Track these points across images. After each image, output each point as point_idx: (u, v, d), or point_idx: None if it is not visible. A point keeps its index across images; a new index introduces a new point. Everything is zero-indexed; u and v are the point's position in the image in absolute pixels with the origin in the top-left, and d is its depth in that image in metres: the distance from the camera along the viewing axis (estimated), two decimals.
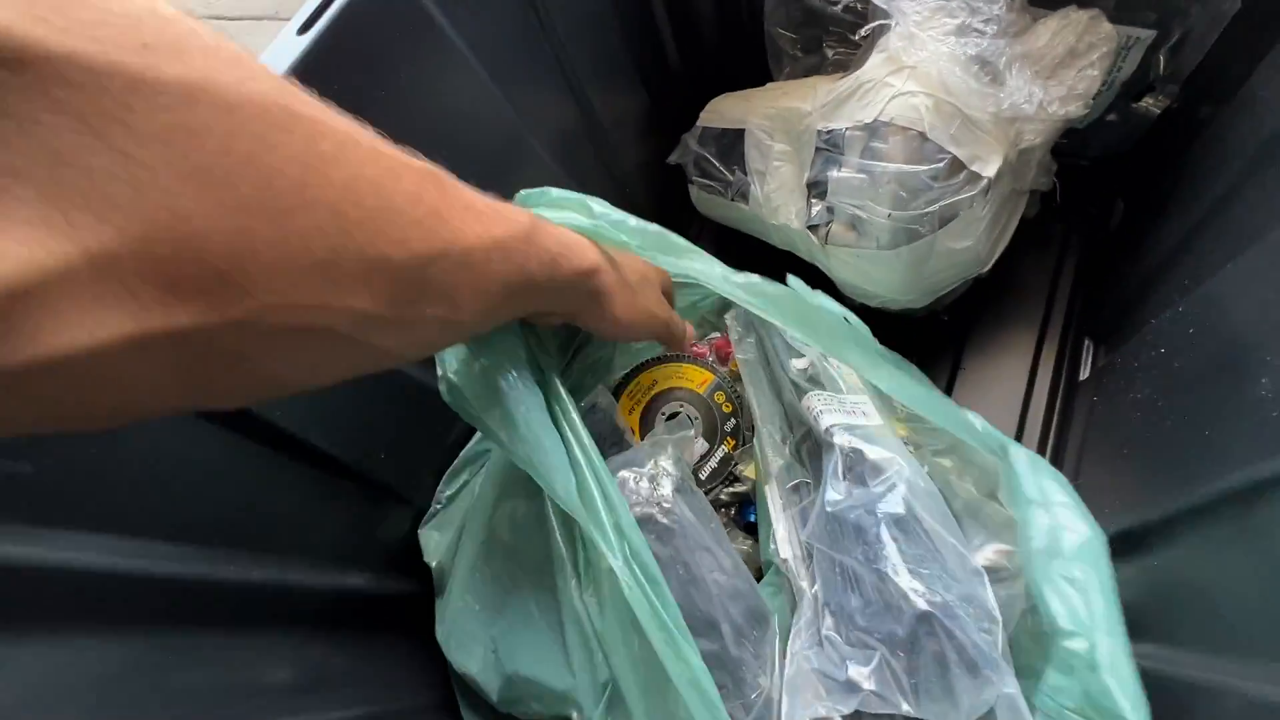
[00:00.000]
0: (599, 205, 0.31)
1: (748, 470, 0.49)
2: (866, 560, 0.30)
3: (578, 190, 0.57)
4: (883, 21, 0.44)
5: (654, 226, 0.34)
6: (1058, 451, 0.47)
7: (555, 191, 0.32)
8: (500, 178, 0.49)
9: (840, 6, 0.48)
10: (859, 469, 0.36)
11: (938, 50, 0.41)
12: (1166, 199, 0.45)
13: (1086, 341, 0.50)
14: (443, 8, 0.39)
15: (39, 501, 0.28)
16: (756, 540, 0.43)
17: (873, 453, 0.32)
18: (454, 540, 0.40)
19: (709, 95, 0.64)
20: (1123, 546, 0.31)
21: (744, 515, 0.48)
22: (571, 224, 0.30)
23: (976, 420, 0.34)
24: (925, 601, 0.29)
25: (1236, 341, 0.28)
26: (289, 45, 0.33)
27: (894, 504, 0.31)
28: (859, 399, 0.36)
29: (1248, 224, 0.33)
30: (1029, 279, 0.55)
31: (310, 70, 0.33)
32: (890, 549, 0.30)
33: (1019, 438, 0.49)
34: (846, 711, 0.29)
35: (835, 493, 0.32)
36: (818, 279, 0.56)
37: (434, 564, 0.42)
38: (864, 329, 0.40)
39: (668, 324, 0.35)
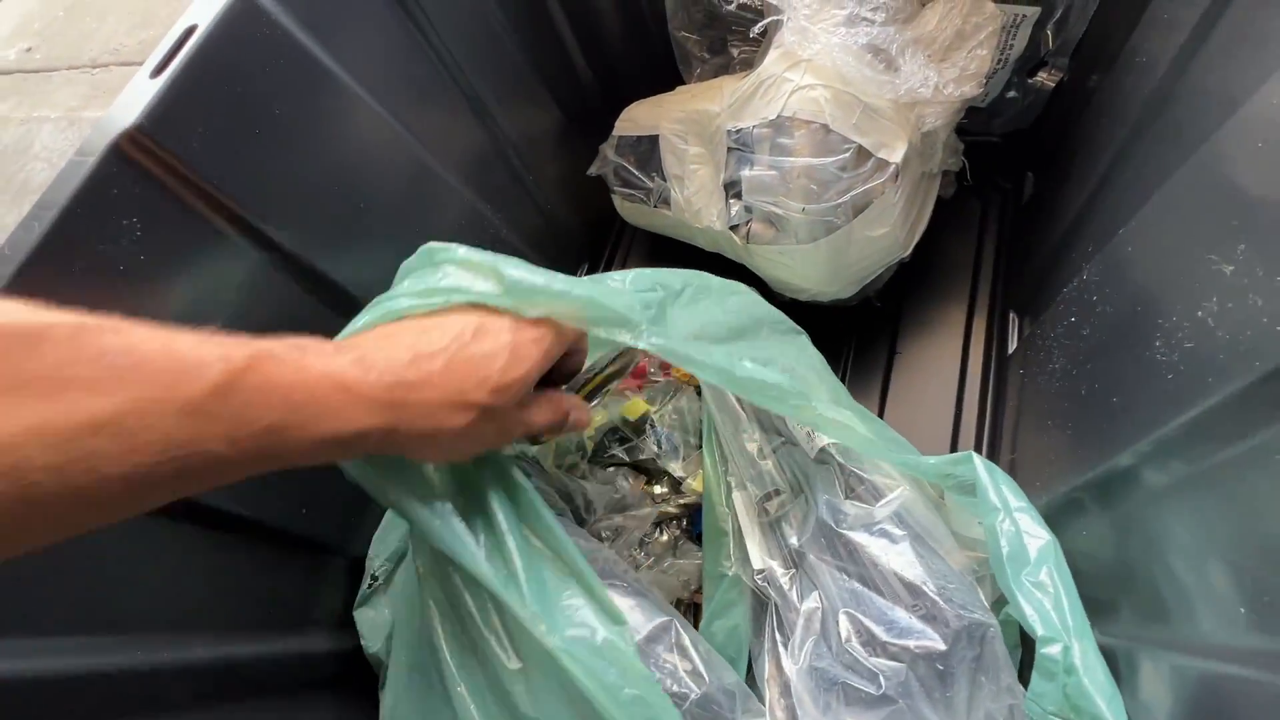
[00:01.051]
0: (516, 270, 0.25)
1: (694, 483, 0.49)
2: (886, 576, 0.30)
3: (494, 210, 0.56)
4: (776, 17, 0.44)
5: (582, 287, 0.27)
6: (995, 427, 0.47)
7: (464, 250, 0.27)
8: (410, 210, 0.47)
9: (735, 5, 0.48)
10: (860, 489, 0.36)
11: (830, 42, 0.41)
12: (1069, 169, 0.46)
13: (1011, 315, 0.51)
14: (320, 40, 0.37)
15: None
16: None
17: (872, 474, 0.33)
18: (388, 625, 0.38)
19: (623, 104, 0.63)
20: (1054, 518, 0.31)
21: (694, 527, 0.47)
22: (476, 292, 0.26)
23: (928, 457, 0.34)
24: (964, 616, 0.29)
25: (1134, 305, 0.28)
26: (141, 90, 0.31)
27: (909, 522, 0.31)
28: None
29: (1139, 184, 0.33)
30: (953, 258, 0.56)
31: (168, 116, 0.31)
32: (918, 566, 0.30)
33: (958, 413, 0.49)
34: None
35: (843, 510, 0.32)
36: (746, 278, 0.55)
37: (370, 652, 0.40)
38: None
39: (536, 431, 0.27)
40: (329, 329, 0.27)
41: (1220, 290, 0.23)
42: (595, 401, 0.38)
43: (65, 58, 1.87)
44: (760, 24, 0.45)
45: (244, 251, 0.36)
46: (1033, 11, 0.46)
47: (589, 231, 0.68)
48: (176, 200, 0.32)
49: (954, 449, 0.50)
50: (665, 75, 0.62)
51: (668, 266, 0.65)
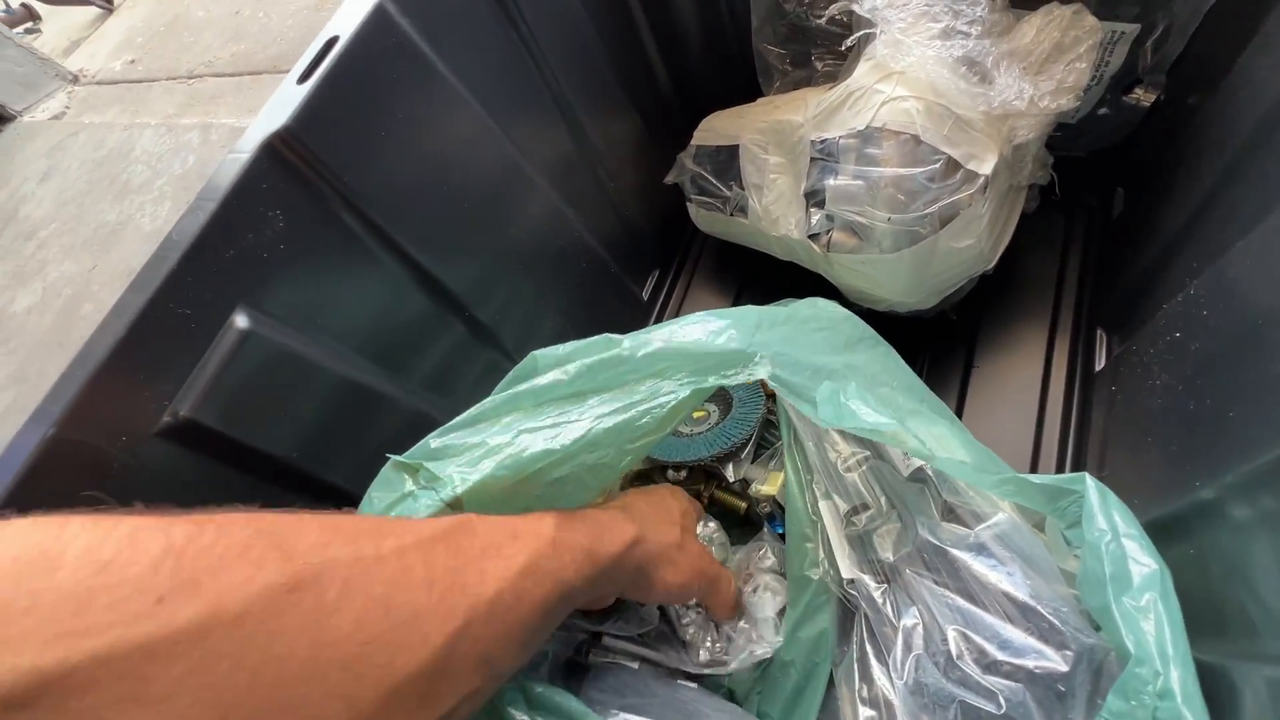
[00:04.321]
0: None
1: (766, 487, 0.49)
2: (995, 595, 0.31)
3: (576, 214, 0.58)
4: (868, 30, 0.45)
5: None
6: (1080, 444, 0.46)
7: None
8: (501, 209, 0.50)
9: (825, 20, 0.49)
10: (958, 510, 0.36)
11: (924, 54, 0.42)
12: (1166, 186, 0.45)
13: (1099, 331, 0.50)
14: (437, 48, 0.40)
15: None
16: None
17: (970, 497, 0.33)
18: None
19: (700, 114, 0.65)
20: (1156, 536, 0.31)
21: (774, 526, 0.47)
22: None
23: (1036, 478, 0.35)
24: (1082, 640, 0.29)
25: (1252, 320, 0.27)
26: (290, 95, 0.34)
27: (1013, 546, 0.31)
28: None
29: (1251, 204, 0.32)
30: (1035, 273, 0.55)
31: (312, 118, 0.34)
32: (1029, 587, 0.30)
33: (1039, 433, 0.48)
34: None
35: (946, 530, 0.33)
36: (822, 287, 0.56)
37: None
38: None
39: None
40: (426, 311, 0.29)
41: None
42: None
43: (164, 69, 2.01)
44: (852, 38, 0.45)
45: (364, 244, 0.38)
46: (1131, 29, 0.46)
47: (661, 238, 0.70)
48: (313, 194, 0.35)
49: (1034, 466, 0.49)
50: (743, 87, 0.63)
51: (737, 272, 0.67)
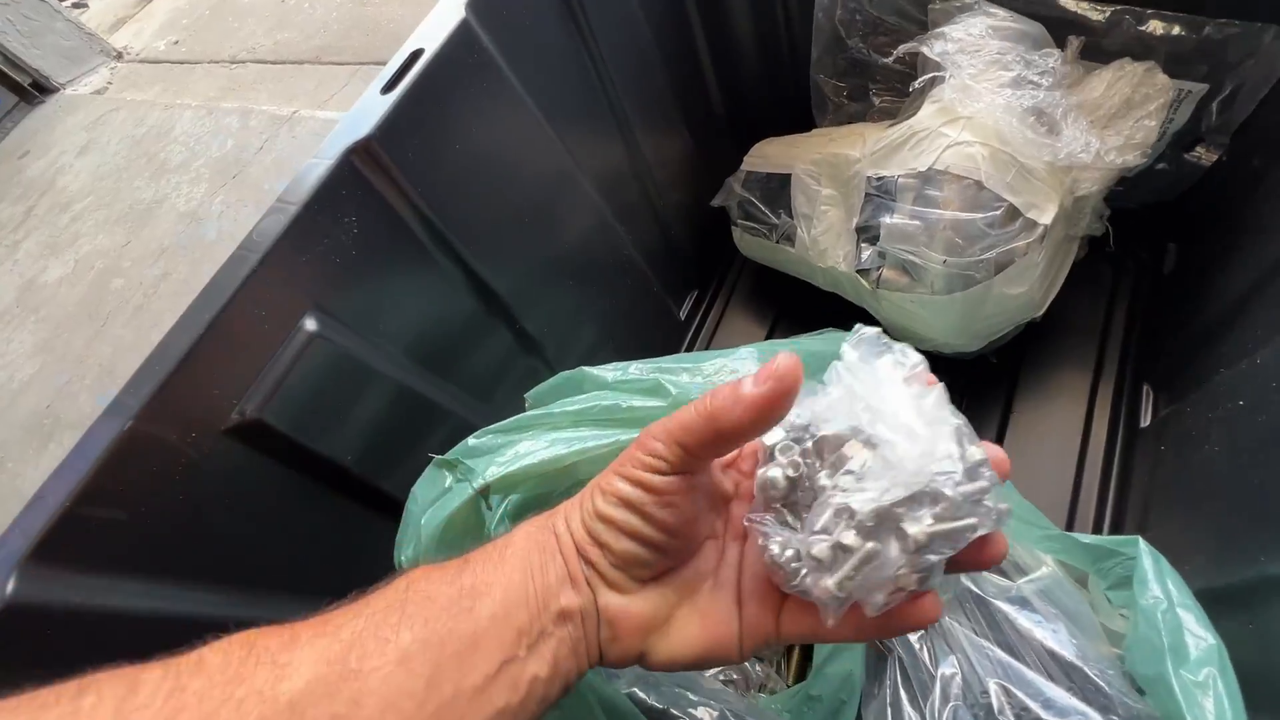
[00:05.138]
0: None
1: None
2: (1039, 652, 0.31)
3: (624, 228, 0.58)
4: (936, 74, 0.45)
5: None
6: (1120, 501, 0.46)
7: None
8: (548, 210, 0.50)
9: (892, 59, 0.49)
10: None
11: (994, 102, 0.42)
12: (1226, 247, 0.45)
13: (1145, 387, 0.49)
14: (511, 61, 0.41)
15: (120, 548, 0.28)
16: None
17: (1013, 547, 0.33)
18: None
19: (750, 139, 0.65)
20: (1208, 606, 0.30)
21: None
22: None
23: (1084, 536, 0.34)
24: (1130, 706, 0.29)
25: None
26: (374, 105, 0.34)
27: (1057, 601, 0.31)
28: None
29: None
30: (1080, 322, 0.55)
31: (392, 128, 0.34)
32: (1073, 645, 0.30)
33: (1078, 484, 0.48)
34: None
35: (987, 580, 0.33)
36: (865, 321, 0.56)
37: None
38: None
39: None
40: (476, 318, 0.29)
41: None
42: None
43: (207, 52, 2.04)
44: (920, 80, 0.46)
45: (427, 251, 0.39)
46: (1200, 88, 0.46)
47: (702, 258, 0.70)
48: (386, 201, 0.35)
49: (1071, 518, 0.48)
50: (796, 115, 0.63)
51: (776, 299, 0.67)
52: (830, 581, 0.23)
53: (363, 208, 0.34)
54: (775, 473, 0.25)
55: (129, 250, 1.47)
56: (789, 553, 0.24)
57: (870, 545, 0.22)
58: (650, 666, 0.26)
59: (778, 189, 0.59)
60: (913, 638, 0.37)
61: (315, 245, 0.32)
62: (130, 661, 0.20)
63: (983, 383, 0.56)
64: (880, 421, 0.23)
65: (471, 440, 0.32)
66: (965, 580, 0.35)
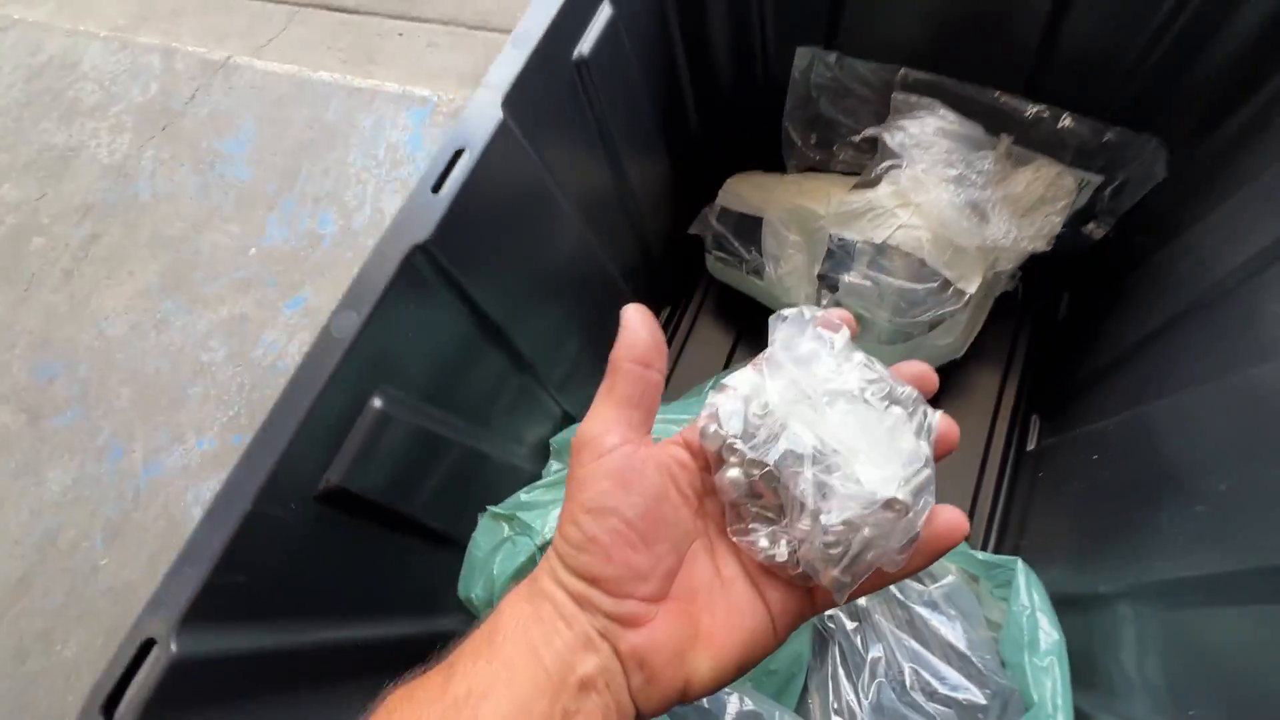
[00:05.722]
0: None
1: None
2: (941, 643, 0.41)
3: (606, 248, 0.62)
4: (894, 162, 0.53)
5: None
6: (1005, 515, 0.58)
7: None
8: (527, 229, 0.53)
9: (859, 139, 0.56)
10: None
11: (939, 195, 0.51)
12: (1108, 308, 0.57)
13: (1034, 416, 0.62)
14: (530, 139, 0.45)
15: (243, 602, 0.34)
16: None
17: None
18: None
19: (725, 168, 0.71)
20: (1063, 607, 0.43)
21: None
22: None
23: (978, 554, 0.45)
24: (998, 682, 0.40)
25: (1161, 474, 0.38)
26: (427, 206, 0.38)
27: (956, 603, 0.42)
28: None
29: (1192, 366, 0.41)
30: (988, 356, 0.67)
31: (448, 228, 0.39)
32: (965, 639, 0.41)
33: (975, 497, 0.61)
34: None
35: (907, 585, 0.43)
36: None
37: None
38: None
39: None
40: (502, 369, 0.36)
41: (1232, 484, 0.34)
42: None
43: None
44: (880, 167, 0.53)
45: (466, 319, 0.44)
46: (1097, 178, 0.56)
47: (675, 277, 0.77)
48: (437, 287, 0.40)
49: (989, 534, 0.61)
50: (766, 153, 0.70)
51: (739, 319, 0.75)
52: (835, 572, 0.23)
53: (420, 296, 0.39)
54: (734, 473, 0.25)
55: (46, 204, 1.35)
56: (781, 548, 0.24)
57: (857, 537, 0.23)
58: (696, 691, 0.25)
59: (750, 227, 0.67)
60: (850, 628, 0.48)
61: (381, 337, 0.37)
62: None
63: None
64: (831, 435, 0.24)
65: (523, 496, 0.39)
66: (892, 588, 0.47)
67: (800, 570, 0.24)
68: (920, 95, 0.54)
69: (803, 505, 0.24)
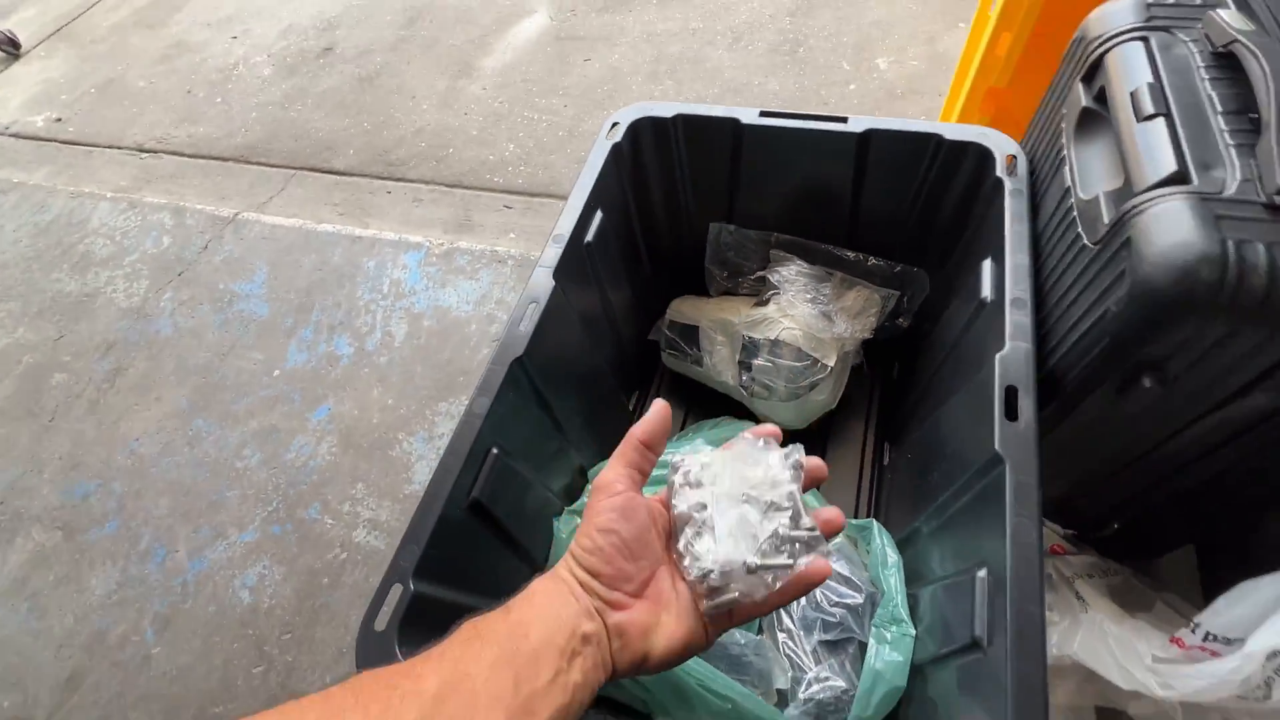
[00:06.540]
0: None
1: None
2: (838, 575, 0.70)
3: (597, 349, 0.93)
4: (775, 291, 0.87)
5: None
6: (875, 500, 0.89)
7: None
8: (560, 342, 0.83)
9: (753, 277, 0.91)
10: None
11: (804, 309, 0.85)
12: (915, 365, 0.92)
13: (885, 443, 0.94)
14: (564, 285, 0.75)
15: (434, 567, 0.58)
16: None
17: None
18: None
19: (669, 295, 1.04)
20: (900, 543, 0.73)
21: None
22: None
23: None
24: (867, 591, 0.68)
25: (929, 454, 0.70)
26: (520, 333, 0.67)
27: (845, 550, 0.70)
28: None
29: (948, 386, 0.76)
30: (854, 409, 1.00)
31: (532, 346, 0.67)
32: (848, 568, 0.69)
33: (857, 495, 0.91)
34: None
35: None
36: (742, 410, 0.96)
37: None
38: None
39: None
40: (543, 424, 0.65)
41: (955, 447, 0.66)
42: None
43: (105, 136, 2.06)
44: (768, 293, 0.88)
45: (533, 399, 0.72)
46: (894, 293, 0.92)
47: (641, 368, 1.07)
48: (523, 385, 0.68)
49: (856, 511, 0.91)
50: (695, 284, 1.04)
51: (688, 401, 1.05)
52: (704, 604, 0.39)
53: (516, 390, 0.67)
54: (681, 507, 0.42)
55: (64, 345, 1.51)
56: (697, 574, 0.39)
57: (731, 592, 0.39)
58: (653, 663, 0.37)
59: (690, 333, 0.99)
60: None
61: (496, 411, 0.65)
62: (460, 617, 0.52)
63: (808, 442, 0.98)
64: (720, 514, 0.40)
65: (585, 498, 0.65)
66: None
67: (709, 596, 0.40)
68: (785, 250, 0.89)
69: (681, 552, 0.40)
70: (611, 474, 0.42)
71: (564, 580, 0.39)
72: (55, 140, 2.11)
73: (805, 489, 0.44)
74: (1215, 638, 0.54)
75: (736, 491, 0.42)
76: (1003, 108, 1.11)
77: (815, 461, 0.46)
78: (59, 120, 2.18)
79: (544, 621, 0.35)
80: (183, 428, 1.32)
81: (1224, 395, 0.50)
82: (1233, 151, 0.48)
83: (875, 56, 1.79)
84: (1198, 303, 0.44)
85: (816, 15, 1.93)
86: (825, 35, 1.87)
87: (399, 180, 1.75)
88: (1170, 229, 0.46)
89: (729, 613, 0.41)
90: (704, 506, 0.41)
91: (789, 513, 0.41)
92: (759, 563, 0.39)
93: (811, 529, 0.41)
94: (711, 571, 0.39)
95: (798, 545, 0.40)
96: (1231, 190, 0.46)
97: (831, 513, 0.44)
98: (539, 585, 0.38)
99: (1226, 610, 0.54)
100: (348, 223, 1.63)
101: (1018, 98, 1.07)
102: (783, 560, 0.40)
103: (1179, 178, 0.48)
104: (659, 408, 0.44)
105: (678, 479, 0.43)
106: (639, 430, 0.43)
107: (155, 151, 1.99)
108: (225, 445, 1.28)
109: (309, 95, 2.02)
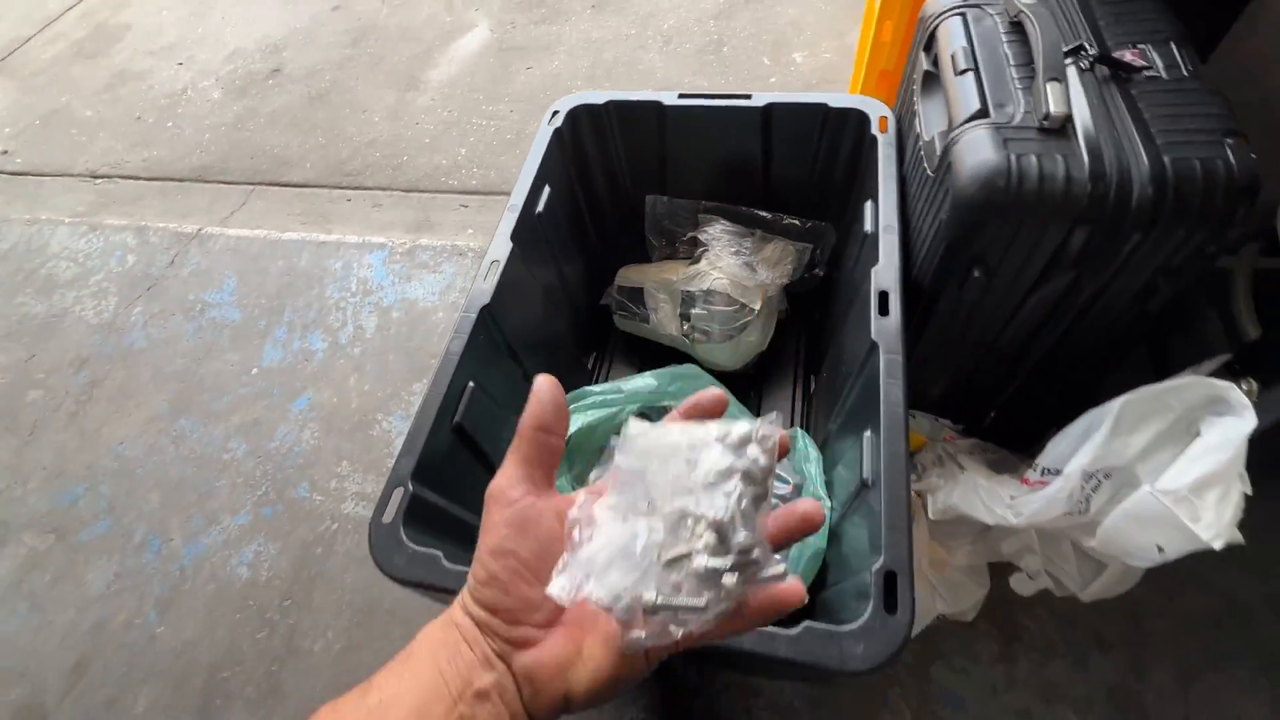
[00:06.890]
0: None
1: None
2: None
3: (559, 317, 1.06)
4: (704, 248, 1.01)
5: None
6: (807, 414, 1.04)
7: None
8: (522, 302, 0.96)
9: (687, 238, 1.05)
10: None
11: (730, 262, 0.99)
12: (829, 307, 1.07)
13: (811, 374, 1.09)
14: (522, 252, 0.88)
15: (427, 475, 0.70)
16: None
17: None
18: None
19: (616, 263, 1.17)
20: (822, 447, 0.87)
21: None
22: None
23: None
24: (793, 482, 0.82)
25: (836, 366, 0.84)
26: (482, 289, 0.79)
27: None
28: None
29: (846, 317, 0.91)
30: (785, 347, 1.15)
31: (496, 298, 0.79)
32: (790, 465, 0.83)
33: (792, 412, 1.06)
34: None
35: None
36: (687, 359, 1.09)
37: None
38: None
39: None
40: (514, 377, 0.77)
41: (849, 355, 0.80)
42: None
43: (55, 165, 2.09)
44: (700, 250, 1.02)
45: (503, 353, 0.84)
46: (809, 246, 1.07)
47: (597, 331, 1.20)
48: (491, 331, 0.80)
49: (792, 423, 1.05)
50: (638, 252, 1.17)
51: (640, 357, 1.19)
52: (635, 634, 0.28)
53: (486, 335, 0.79)
54: (574, 513, 0.32)
55: (36, 364, 1.54)
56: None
57: (636, 631, 0.28)
58: (578, 701, 0.29)
59: (636, 295, 1.12)
60: None
61: (470, 352, 0.76)
62: (448, 522, 0.63)
63: (744, 383, 1.13)
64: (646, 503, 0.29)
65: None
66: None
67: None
68: (712, 214, 1.03)
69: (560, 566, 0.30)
70: (504, 478, 0.32)
71: (456, 625, 0.31)
72: (3, 172, 2.12)
73: (766, 475, 0.32)
74: (1048, 471, 0.69)
75: (655, 495, 0.30)
76: (893, 87, 1.28)
77: (776, 437, 0.33)
78: (4, 152, 2.19)
79: (416, 693, 0.28)
80: (166, 429, 1.38)
81: (1033, 279, 0.66)
82: (1020, 93, 0.64)
83: (792, 52, 1.97)
84: (995, 204, 0.60)
85: (738, 17, 2.11)
86: (746, 35, 2.04)
87: (357, 189, 1.84)
88: (975, 151, 0.61)
89: (673, 642, 0.29)
90: (591, 520, 0.31)
91: (726, 523, 0.29)
92: (658, 602, 0.28)
93: (746, 550, 0.29)
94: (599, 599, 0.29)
95: (728, 573, 0.29)
96: (1018, 119, 0.62)
97: (809, 505, 0.34)
98: (424, 637, 0.31)
99: (1053, 449, 0.69)
100: (311, 230, 1.71)
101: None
102: (692, 602, 0.28)
103: (981, 114, 0.63)
104: (545, 384, 0.34)
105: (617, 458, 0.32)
106: (529, 417, 0.33)
107: (110, 176, 2.03)
108: (210, 441, 1.35)
109: (260, 115, 2.09)
